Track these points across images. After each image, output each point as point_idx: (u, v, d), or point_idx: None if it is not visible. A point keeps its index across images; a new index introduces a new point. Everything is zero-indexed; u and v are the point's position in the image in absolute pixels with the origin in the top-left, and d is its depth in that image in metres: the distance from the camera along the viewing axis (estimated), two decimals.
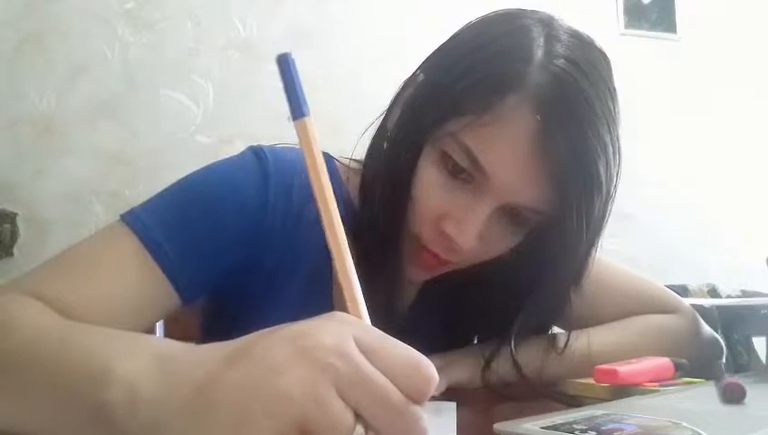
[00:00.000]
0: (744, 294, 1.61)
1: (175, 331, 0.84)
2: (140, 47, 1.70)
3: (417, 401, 0.30)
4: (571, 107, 0.56)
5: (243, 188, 0.63)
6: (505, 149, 0.56)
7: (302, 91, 0.34)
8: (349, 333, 0.31)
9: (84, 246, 0.58)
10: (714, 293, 1.76)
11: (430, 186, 0.60)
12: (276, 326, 0.32)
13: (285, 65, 0.34)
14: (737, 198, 2.20)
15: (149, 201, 0.62)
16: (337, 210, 0.34)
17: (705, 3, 2.27)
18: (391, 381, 0.30)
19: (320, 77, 1.82)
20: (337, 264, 0.34)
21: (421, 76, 0.64)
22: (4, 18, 1.61)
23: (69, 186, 1.62)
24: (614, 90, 0.60)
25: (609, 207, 0.63)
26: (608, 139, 0.58)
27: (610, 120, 0.58)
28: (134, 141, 1.67)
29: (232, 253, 0.63)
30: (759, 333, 0.86)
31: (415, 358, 0.31)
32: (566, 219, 0.58)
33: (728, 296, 1.65)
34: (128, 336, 0.40)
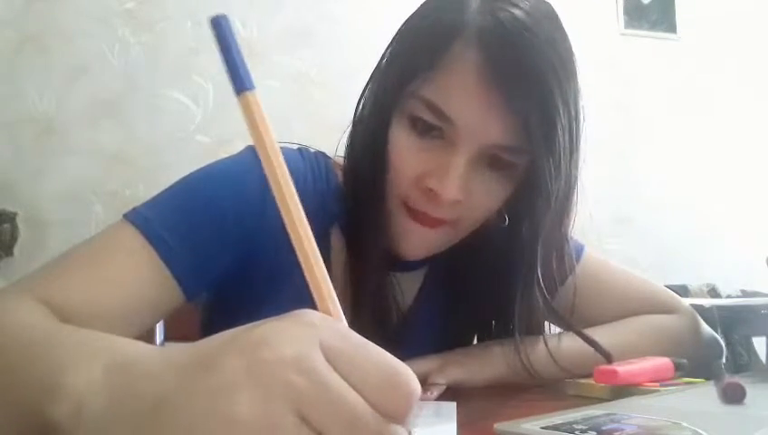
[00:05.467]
0: (744, 294, 1.61)
1: (175, 330, 0.84)
2: (140, 47, 1.71)
3: (395, 419, 0.26)
4: (511, 37, 0.58)
5: (243, 186, 0.63)
6: (463, 92, 0.58)
7: (242, 60, 0.30)
8: (315, 340, 0.27)
9: (87, 245, 0.58)
10: (714, 293, 1.76)
11: (405, 150, 0.62)
12: (241, 328, 0.29)
13: (221, 30, 0.29)
14: (737, 198, 2.20)
15: (152, 200, 0.62)
16: (296, 197, 0.30)
17: (705, 3, 2.27)
18: (365, 396, 0.26)
19: (319, 77, 1.83)
20: (299, 253, 0.30)
21: (383, 61, 0.68)
22: (4, 18, 1.61)
23: (69, 186, 1.62)
24: (556, 17, 0.62)
25: (577, 138, 0.63)
26: (556, 61, 0.59)
27: (556, 43, 0.60)
28: (134, 141, 1.68)
29: (233, 249, 0.63)
30: (759, 333, 0.86)
31: (393, 368, 0.27)
32: (535, 152, 0.60)
33: (728, 296, 1.65)
34: (89, 341, 0.38)
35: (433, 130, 0.61)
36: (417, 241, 0.65)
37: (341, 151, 0.75)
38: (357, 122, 0.70)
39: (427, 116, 0.60)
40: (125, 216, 0.59)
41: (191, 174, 0.64)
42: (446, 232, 0.65)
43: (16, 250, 1.58)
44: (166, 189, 0.63)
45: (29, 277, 0.54)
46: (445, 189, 0.60)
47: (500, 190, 0.63)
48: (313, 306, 0.30)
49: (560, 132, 0.60)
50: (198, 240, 0.60)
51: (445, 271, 0.75)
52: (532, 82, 0.58)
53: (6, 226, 1.58)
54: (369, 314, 0.64)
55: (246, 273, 0.65)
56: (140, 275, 0.57)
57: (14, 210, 1.59)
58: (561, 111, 0.59)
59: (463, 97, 0.59)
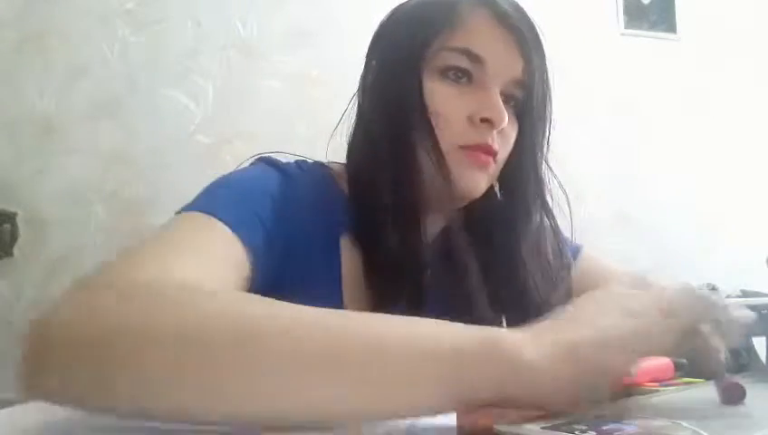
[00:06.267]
0: (744, 294, 1.60)
1: None
2: (140, 47, 1.71)
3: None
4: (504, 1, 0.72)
5: (271, 180, 0.67)
6: (487, 35, 0.70)
7: None
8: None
9: (164, 232, 0.56)
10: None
11: (449, 96, 0.69)
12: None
13: None
14: (737, 199, 2.20)
15: (195, 198, 0.62)
16: None
17: (705, 3, 2.27)
18: None
19: (319, 77, 1.83)
20: None
21: (374, 61, 0.76)
22: (4, 18, 1.61)
23: (69, 186, 1.62)
24: None
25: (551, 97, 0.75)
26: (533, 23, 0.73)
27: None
28: (134, 141, 1.67)
29: (282, 231, 0.65)
30: (759, 333, 0.86)
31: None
32: (537, 85, 0.72)
33: (728, 296, 1.65)
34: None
35: (462, 77, 0.70)
36: (474, 178, 0.71)
37: (339, 150, 0.75)
38: (361, 118, 0.72)
39: (460, 61, 0.69)
40: (179, 212, 0.60)
41: (215, 180, 0.65)
42: (489, 172, 0.72)
43: (16, 250, 1.58)
44: (200, 192, 0.64)
45: (113, 266, 0.49)
46: (498, 114, 0.68)
47: (514, 126, 0.73)
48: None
49: (548, 68, 0.73)
50: (261, 213, 0.62)
51: (445, 270, 0.75)
52: (529, 28, 0.71)
53: (6, 226, 1.58)
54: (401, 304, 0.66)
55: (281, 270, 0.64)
56: (227, 250, 0.57)
57: (14, 210, 1.59)
58: (545, 54, 0.73)
59: (488, 39, 0.70)
